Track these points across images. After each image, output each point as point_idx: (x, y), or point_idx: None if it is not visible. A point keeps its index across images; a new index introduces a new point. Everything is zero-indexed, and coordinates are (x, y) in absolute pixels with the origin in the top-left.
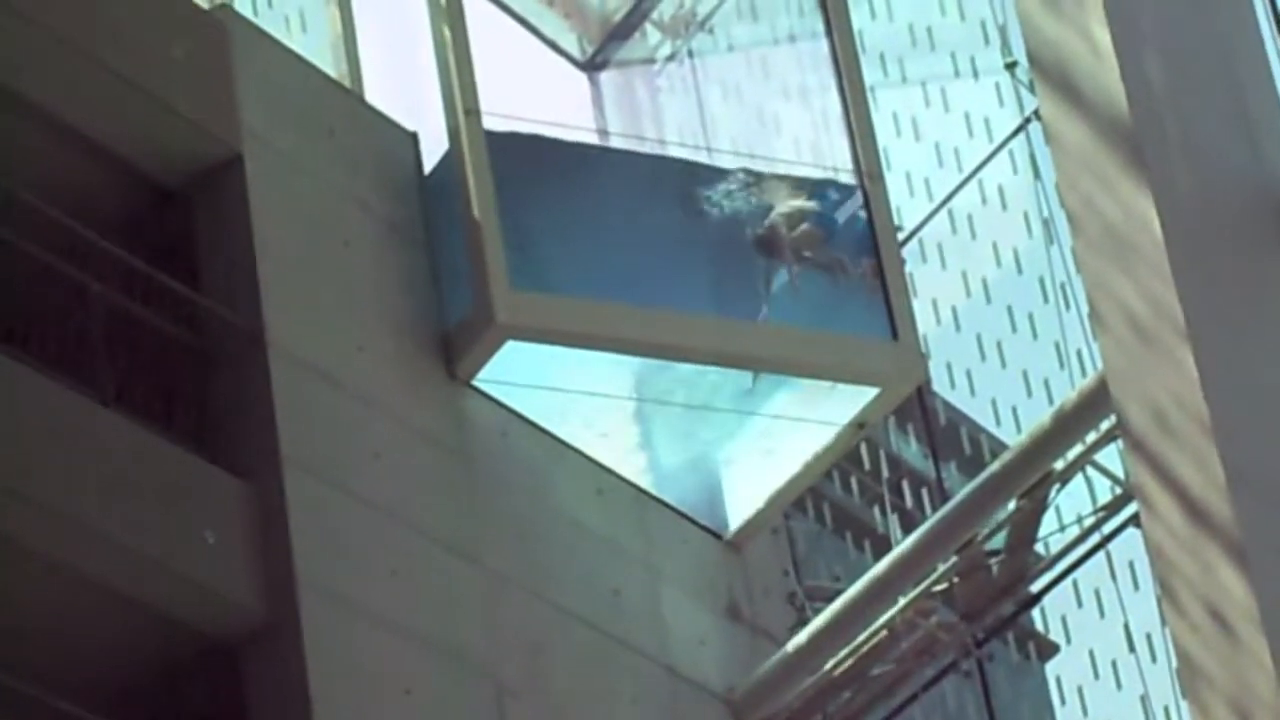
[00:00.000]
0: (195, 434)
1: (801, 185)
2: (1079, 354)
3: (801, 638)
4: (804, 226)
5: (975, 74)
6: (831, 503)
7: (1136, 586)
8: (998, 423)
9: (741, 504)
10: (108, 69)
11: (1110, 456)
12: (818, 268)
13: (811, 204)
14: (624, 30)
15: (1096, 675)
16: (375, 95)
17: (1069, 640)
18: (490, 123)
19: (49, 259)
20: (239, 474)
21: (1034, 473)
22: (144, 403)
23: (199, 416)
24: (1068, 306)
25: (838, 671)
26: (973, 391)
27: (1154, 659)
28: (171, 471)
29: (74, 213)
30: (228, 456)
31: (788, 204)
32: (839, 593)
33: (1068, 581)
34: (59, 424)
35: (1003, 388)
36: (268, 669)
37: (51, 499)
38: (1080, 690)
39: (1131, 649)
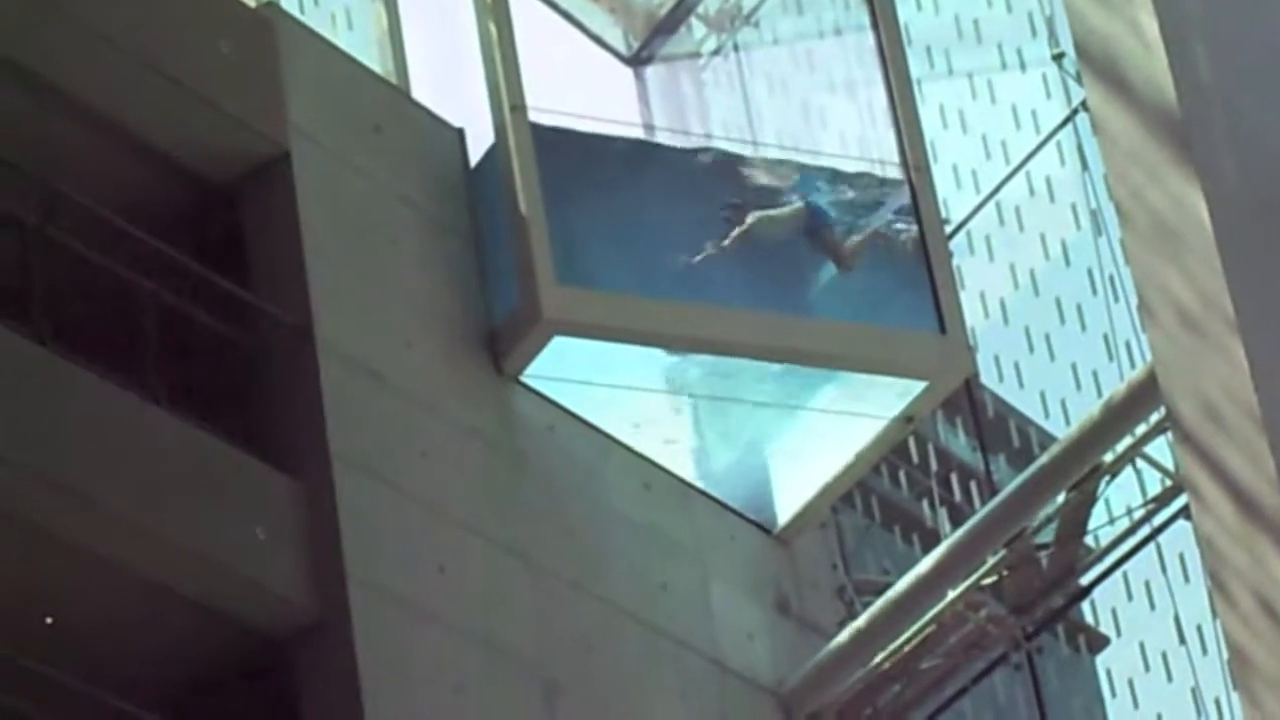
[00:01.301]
0: (244, 431)
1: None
2: (1128, 346)
3: (850, 631)
4: (833, 240)
5: (1022, 66)
6: (880, 496)
7: (1187, 579)
8: (1046, 415)
9: (790, 498)
10: (155, 68)
11: (1160, 449)
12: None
13: (796, 205)
14: (669, 25)
15: (1147, 667)
16: (421, 91)
17: (1119, 633)
18: (536, 118)
19: (98, 258)
20: (288, 471)
21: (1083, 465)
22: (194, 400)
23: (248, 413)
24: (1116, 298)
25: (887, 665)
26: (1021, 384)
27: (1205, 651)
28: (221, 469)
29: (122, 212)
30: (277, 453)
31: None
32: (888, 586)
33: (1118, 574)
34: (109, 422)
35: (1051, 380)
36: (318, 665)
37: (101, 496)
38: (1131, 683)
39: (1182, 641)
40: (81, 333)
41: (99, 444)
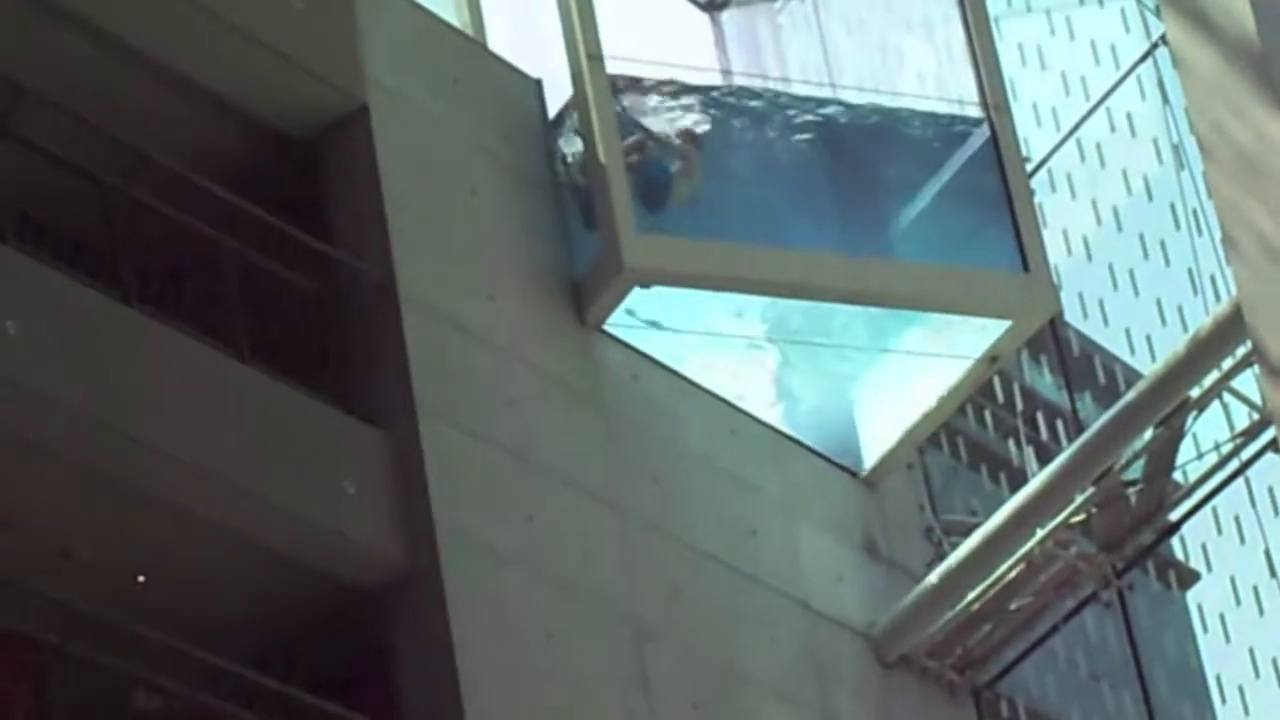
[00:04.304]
0: (330, 386)
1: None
2: (1212, 280)
3: (939, 572)
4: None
5: (1101, 1)
6: (966, 437)
7: (1277, 512)
8: (1132, 352)
9: (876, 441)
10: (232, 25)
11: (1246, 382)
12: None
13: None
14: None
15: (1238, 602)
16: (498, 43)
17: (1209, 568)
18: (613, 66)
19: (181, 217)
20: (375, 424)
21: (1170, 401)
22: (279, 356)
23: (333, 368)
24: (1200, 232)
25: (977, 605)
26: (1106, 321)
27: None
28: (309, 424)
29: (203, 169)
30: (363, 407)
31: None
32: (976, 527)
33: (1207, 509)
34: (196, 379)
35: (1136, 316)
36: (409, 616)
37: (190, 454)
38: (1222, 617)
39: (1273, 574)
40: (166, 291)
41: (186, 401)
